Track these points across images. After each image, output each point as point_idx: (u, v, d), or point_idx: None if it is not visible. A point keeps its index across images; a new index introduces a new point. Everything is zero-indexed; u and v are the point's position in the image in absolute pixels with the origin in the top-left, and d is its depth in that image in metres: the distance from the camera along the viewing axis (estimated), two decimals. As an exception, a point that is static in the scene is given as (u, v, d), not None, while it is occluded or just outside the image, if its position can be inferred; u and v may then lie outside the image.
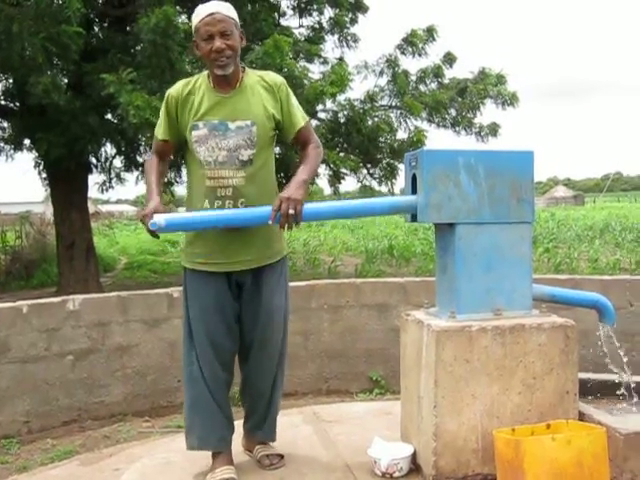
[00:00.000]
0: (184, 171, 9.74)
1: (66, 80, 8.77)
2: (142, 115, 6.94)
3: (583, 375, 3.32)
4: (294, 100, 3.15)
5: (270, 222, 2.85)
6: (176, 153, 3.26)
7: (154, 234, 2.86)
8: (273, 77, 3.14)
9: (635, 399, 3.34)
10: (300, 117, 3.13)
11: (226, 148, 3.00)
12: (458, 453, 2.84)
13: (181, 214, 3.01)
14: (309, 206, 2.89)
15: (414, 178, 3.02)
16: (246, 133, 3.01)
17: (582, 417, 2.93)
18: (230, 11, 3.00)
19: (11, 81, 9.83)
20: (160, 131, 3.13)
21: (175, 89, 3.09)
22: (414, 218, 3.01)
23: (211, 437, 3.13)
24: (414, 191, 3.01)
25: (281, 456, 3.26)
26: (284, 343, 3.29)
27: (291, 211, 2.80)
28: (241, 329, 3.19)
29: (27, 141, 10.72)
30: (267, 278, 3.16)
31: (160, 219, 2.80)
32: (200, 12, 2.98)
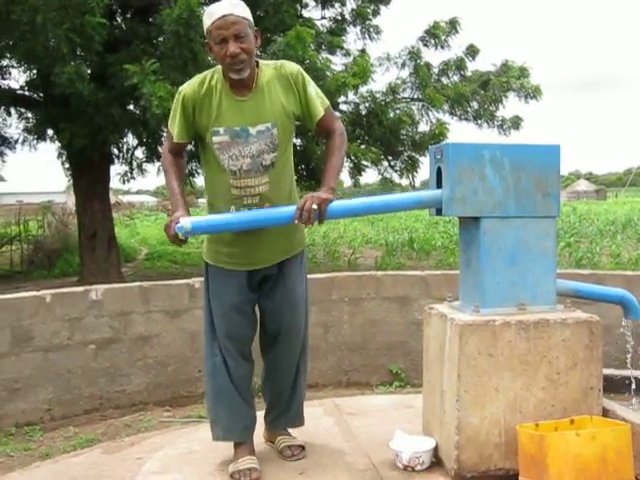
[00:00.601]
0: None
1: (89, 71, 8.81)
2: (165, 106, 6.95)
3: (607, 371, 3.30)
4: (312, 88, 3.03)
5: (296, 221, 2.86)
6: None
7: (179, 240, 2.84)
8: (288, 67, 3.04)
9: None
10: (319, 106, 3.03)
11: (249, 155, 2.95)
12: (480, 447, 2.84)
13: (207, 217, 2.98)
14: (335, 203, 2.89)
15: (439, 171, 3.01)
16: (268, 137, 2.96)
17: (606, 413, 2.92)
18: (244, 11, 2.89)
19: (35, 72, 9.88)
20: (176, 133, 3.02)
21: (190, 88, 2.98)
22: (439, 212, 3.00)
23: (235, 427, 3.16)
24: (439, 184, 3.00)
25: (302, 447, 3.27)
26: (307, 332, 3.31)
27: (314, 206, 2.79)
28: (265, 319, 3.22)
29: (50, 131, 10.80)
30: (290, 269, 3.18)
31: (187, 224, 2.79)
32: (212, 13, 2.86)
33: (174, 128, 3.02)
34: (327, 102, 3.10)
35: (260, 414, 3.35)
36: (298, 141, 8.93)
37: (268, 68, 3.02)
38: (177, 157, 3.10)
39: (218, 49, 2.85)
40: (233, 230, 2.98)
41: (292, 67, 3.05)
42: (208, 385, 3.24)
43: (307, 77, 3.04)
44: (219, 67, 3.01)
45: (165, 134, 3.18)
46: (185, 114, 2.98)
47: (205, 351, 3.24)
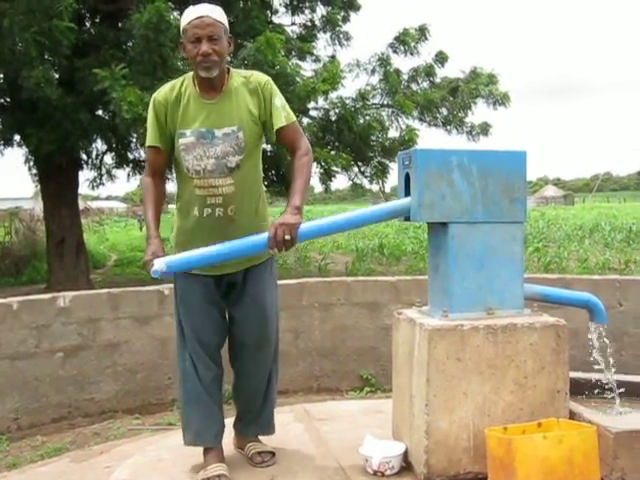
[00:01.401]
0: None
1: (57, 75, 8.74)
2: (135, 111, 6.92)
3: (573, 374, 3.34)
4: (278, 100, 3.04)
5: (270, 250, 2.89)
6: (171, 164, 3.21)
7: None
8: (258, 77, 3.08)
9: (624, 398, 3.36)
10: (282, 117, 3.03)
11: (214, 156, 2.97)
12: (450, 451, 2.85)
13: (181, 255, 2.94)
14: (305, 226, 2.90)
15: (407, 177, 3.02)
16: (233, 139, 2.98)
17: (573, 416, 2.95)
18: (221, 16, 2.95)
19: (1, 76, 9.77)
20: (149, 138, 3.05)
21: (162, 94, 3.02)
22: (407, 217, 3.02)
23: (206, 432, 3.15)
24: (407, 190, 3.02)
25: (272, 453, 3.25)
26: (277, 339, 3.31)
27: (287, 237, 2.81)
28: (235, 328, 3.21)
29: (17, 137, 10.66)
30: (258, 276, 3.18)
31: (161, 265, 2.79)
32: (189, 14, 2.93)
33: (149, 133, 3.05)
34: (293, 118, 3.10)
35: (229, 421, 3.33)
36: (269, 147, 8.94)
37: (239, 76, 3.06)
38: (156, 180, 3.10)
39: (191, 47, 2.90)
40: (207, 264, 2.97)
41: (262, 77, 3.09)
42: (181, 390, 3.23)
43: (276, 89, 3.07)
44: (190, 74, 3.06)
45: (145, 155, 3.21)
46: (157, 119, 3.01)
47: (176, 357, 3.24)
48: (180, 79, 3.07)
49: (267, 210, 3.26)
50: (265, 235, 2.88)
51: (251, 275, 3.15)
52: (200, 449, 3.17)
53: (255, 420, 3.32)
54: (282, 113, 3.03)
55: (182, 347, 3.17)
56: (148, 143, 3.06)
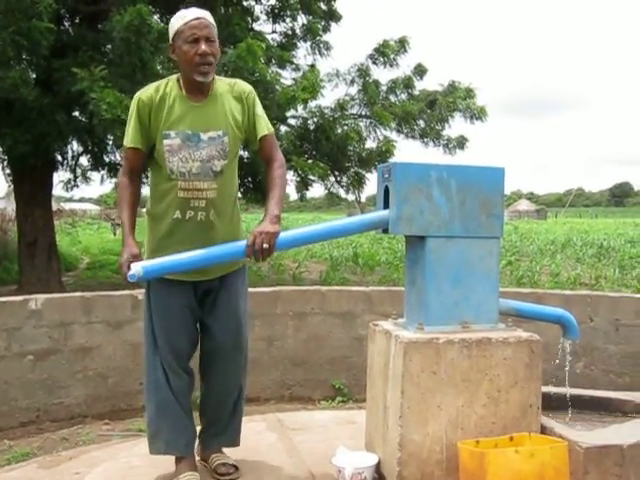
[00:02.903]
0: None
1: (34, 76, 8.66)
2: (114, 112, 6.88)
3: (545, 389, 3.37)
4: (260, 109, 3.11)
5: (247, 258, 2.90)
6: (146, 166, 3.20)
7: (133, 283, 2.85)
8: (242, 85, 3.12)
9: (592, 413, 3.41)
10: (264, 126, 3.10)
11: (199, 159, 2.98)
12: (422, 464, 2.87)
13: (158, 260, 2.92)
14: (283, 235, 2.91)
15: (387, 190, 3.04)
16: (219, 144, 3.00)
17: (544, 430, 2.98)
18: (212, 20, 2.99)
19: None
20: (130, 138, 3.02)
21: (146, 94, 3.00)
22: (385, 230, 3.04)
23: (178, 442, 3.12)
24: (386, 202, 3.04)
25: (236, 467, 3.21)
26: (248, 347, 3.31)
27: (265, 245, 2.83)
28: (208, 335, 3.19)
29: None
30: (232, 283, 3.18)
31: (138, 269, 2.78)
32: (185, 15, 2.94)
33: (129, 133, 3.02)
34: (272, 128, 3.17)
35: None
36: (246, 154, 8.93)
37: (222, 83, 3.09)
38: (133, 180, 3.06)
39: (188, 48, 2.90)
40: (185, 269, 2.96)
41: (246, 85, 3.13)
42: (149, 400, 3.18)
43: (257, 98, 3.13)
44: (173, 77, 3.06)
45: (121, 155, 3.16)
46: (140, 119, 2.98)
47: (146, 364, 3.19)
48: (164, 81, 3.06)
49: (240, 217, 3.28)
50: (243, 243, 2.89)
51: (226, 283, 3.15)
52: (172, 457, 3.15)
53: (223, 431, 3.29)
54: (264, 123, 3.10)
55: (153, 355, 3.13)
56: (129, 144, 3.02)
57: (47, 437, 4.61)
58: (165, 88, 3.01)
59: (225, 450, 3.32)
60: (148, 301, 3.15)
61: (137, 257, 2.86)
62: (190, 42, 2.89)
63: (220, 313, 3.15)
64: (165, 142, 2.96)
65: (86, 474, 3.31)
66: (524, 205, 67.92)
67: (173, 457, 3.15)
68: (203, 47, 2.88)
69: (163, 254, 2.99)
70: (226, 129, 3.01)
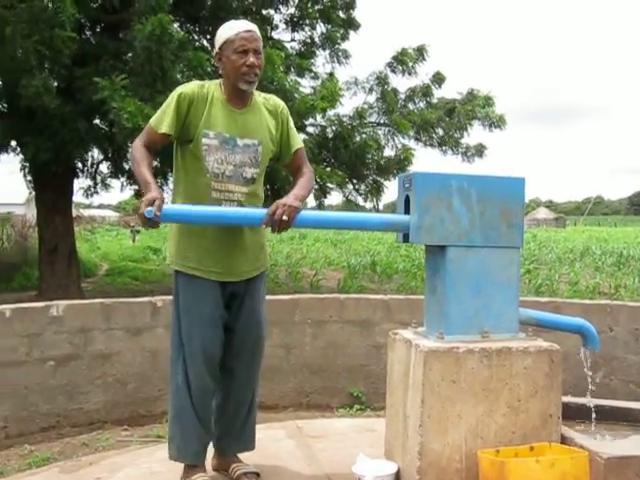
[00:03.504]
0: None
1: (56, 84, 8.75)
2: (135, 121, 6.93)
3: (565, 399, 3.36)
4: (292, 124, 3.28)
5: (263, 225, 2.96)
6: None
7: (150, 223, 2.79)
8: (276, 100, 3.27)
9: (615, 423, 3.39)
10: (298, 140, 3.28)
11: (233, 163, 3.07)
12: (442, 472, 2.87)
13: (177, 205, 3.02)
14: (306, 212, 2.98)
15: (407, 199, 3.05)
16: (252, 152, 3.10)
17: (564, 440, 2.97)
18: (259, 34, 3.10)
19: (0, 83, 9.77)
20: (164, 124, 3.02)
21: (189, 88, 3.07)
22: (406, 238, 3.05)
23: (188, 449, 3.15)
24: (407, 212, 3.05)
25: (258, 474, 3.23)
26: (264, 352, 3.35)
27: (285, 217, 2.87)
28: (232, 339, 3.21)
29: (13, 143, 10.66)
30: (255, 288, 3.23)
31: (156, 207, 2.75)
32: (236, 26, 3.06)
33: (163, 121, 3.03)
34: (302, 143, 3.32)
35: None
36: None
37: (259, 96, 3.21)
38: (149, 151, 3.09)
39: (237, 58, 3.00)
40: (201, 222, 3.00)
41: (279, 101, 3.29)
42: (170, 403, 3.22)
43: (289, 114, 3.28)
44: (217, 82, 3.15)
45: (144, 130, 3.15)
46: (179, 110, 3.03)
47: (170, 367, 3.21)
48: (206, 83, 3.16)
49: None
50: (263, 210, 2.95)
51: (251, 288, 3.21)
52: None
53: (239, 437, 3.31)
54: (297, 137, 3.27)
55: (177, 359, 3.14)
56: (163, 129, 3.02)
57: (67, 442, 4.64)
58: (209, 88, 3.11)
59: (245, 457, 3.33)
60: (176, 300, 3.16)
61: (157, 200, 2.79)
62: (239, 52, 3.00)
63: (245, 318, 3.19)
64: (204, 141, 3.04)
65: (107, 479, 3.34)
66: (543, 213, 67.54)
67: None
68: (252, 59, 3.01)
69: (189, 248, 3.06)
70: (261, 139, 3.12)
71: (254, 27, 3.09)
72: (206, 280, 3.08)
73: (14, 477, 3.81)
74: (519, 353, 2.94)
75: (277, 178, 9.38)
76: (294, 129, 3.28)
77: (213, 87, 3.11)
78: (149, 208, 2.74)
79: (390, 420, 3.27)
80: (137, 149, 3.09)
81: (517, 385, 2.93)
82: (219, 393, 3.30)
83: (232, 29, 3.05)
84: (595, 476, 2.74)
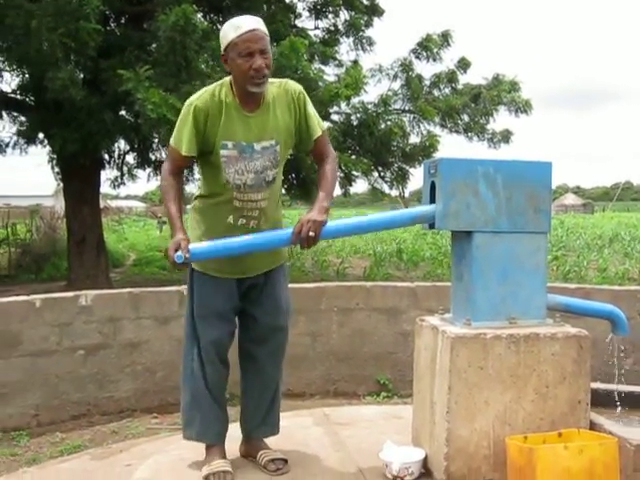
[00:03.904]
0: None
1: (82, 76, 8.82)
2: (159, 112, 6.97)
3: (594, 385, 3.33)
4: (311, 109, 3.11)
5: (292, 245, 2.97)
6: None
7: (180, 266, 2.86)
8: (292, 85, 3.10)
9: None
10: (317, 126, 3.11)
11: (253, 170, 3.00)
12: (469, 459, 2.87)
13: (205, 243, 2.97)
14: (329, 224, 2.94)
15: (433, 185, 3.04)
16: (271, 153, 3.03)
17: (593, 427, 2.95)
18: (265, 28, 2.95)
19: (27, 76, 9.87)
20: (186, 146, 2.98)
21: (202, 100, 2.97)
22: (431, 225, 3.04)
23: (209, 431, 3.22)
24: (432, 198, 3.04)
25: (285, 460, 3.25)
26: (288, 335, 3.36)
27: (311, 233, 2.86)
28: (253, 324, 3.25)
29: (41, 135, 10.77)
30: (276, 278, 3.24)
31: (185, 250, 2.81)
32: (239, 26, 2.89)
33: (182, 141, 2.98)
34: (324, 127, 3.19)
35: (233, 428, 3.36)
36: (289, 150, 8.94)
37: (272, 86, 3.05)
38: (177, 179, 3.08)
39: (242, 62, 2.87)
40: (231, 254, 3.00)
41: (295, 86, 3.11)
42: (185, 389, 3.29)
43: (308, 98, 3.12)
44: (226, 80, 3.04)
45: (167, 153, 3.15)
46: (196, 126, 2.96)
47: (184, 355, 3.28)
48: (217, 86, 3.03)
49: (281, 213, 3.33)
50: (289, 230, 2.93)
51: (270, 277, 3.21)
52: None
53: (263, 422, 3.34)
54: (316, 122, 3.11)
55: (193, 346, 3.21)
56: (184, 152, 2.98)
57: (97, 430, 4.71)
58: (220, 94, 2.99)
59: (272, 444, 3.36)
60: (191, 294, 3.21)
61: (184, 243, 2.85)
62: (244, 56, 2.86)
63: (265, 304, 3.21)
64: (222, 152, 2.97)
65: (137, 466, 3.38)
66: (570, 199, 66.85)
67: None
68: (258, 62, 2.85)
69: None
70: (278, 138, 3.04)
71: (258, 24, 2.91)
72: (220, 277, 3.11)
73: (46, 464, 3.87)
74: (547, 339, 2.92)
75: (302, 167, 9.40)
76: (313, 114, 3.10)
77: (224, 91, 2.99)
78: (178, 253, 2.79)
79: (417, 407, 3.27)
80: (164, 179, 3.08)
81: (545, 371, 2.91)
82: (244, 380, 3.35)
83: (235, 30, 2.88)
84: (624, 462, 2.72)
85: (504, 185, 2.97)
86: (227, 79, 3.05)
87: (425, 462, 3.05)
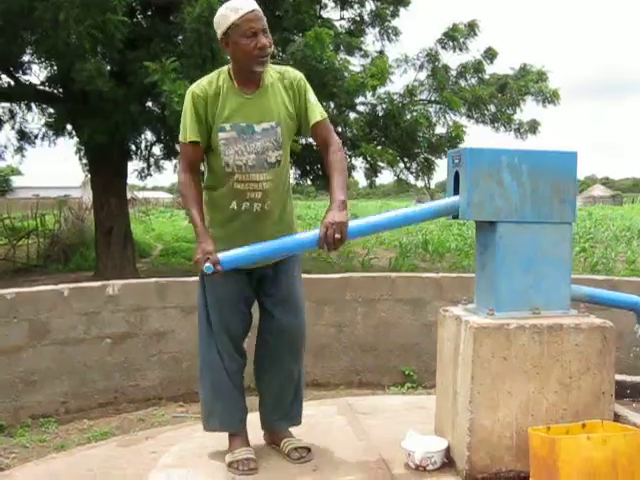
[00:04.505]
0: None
1: (109, 68, 8.88)
2: (186, 104, 7.00)
3: (619, 377, 3.32)
4: (311, 95, 3.11)
5: (320, 249, 2.94)
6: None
7: (211, 276, 2.91)
8: (291, 73, 3.13)
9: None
10: (317, 112, 3.10)
11: (254, 151, 3.01)
12: (492, 449, 2.87)
13: (232, 252, 2.96)
14: (353, 224, 2.95)
15: (456, 175, 3.04)
16: (272, 134, 3.03)
17: (617, 418, 2.94)
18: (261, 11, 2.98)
19: (55, 68, 9.97)
20: (189, 133, 3.02)
21: (200, 88, 3.02)
22: (455, 216, 3.03)
23: (232, 419, 3.27)
24: (456, 188, 3.04)
25: (309, 449, 3.28)
26: (305, 331, 3.36)
27: (337, 235, 2.85)
28: (267, 317, 3.27)
29: (69, 127, 10.89)
30: (286, 268, 3.24)
31: (214, 262, 2.86)
32: (239, 8, 2.91)
33: (187, 128, 3.03)
34: (325, 113, 3.16)
35: (256, 416, 3.40)
36: (313, 141, 8.95)
37: (273, 71, 3.09)
38: (193, 177, 3.10)
39: (247, 42, 2.90)
40: (258, 260, 3.03)
41: (295, 73, 3.14)
42: (204, 379, 3.31)
43: (308, 85, 3.13)
44: (224, 68, 3.08)
45: (180, 151, 3.17)
46: (197, 112, 3.00)
47: (200, 347, 3.32)
48: (215, 73, 3.08)
49: (293, 204, 3.33)
50: (314, 233, 2.93)
51: (282, 268, 3.21)
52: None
53: (285, 415, 3.37)
54: (317, 109, 3.10)
55: (208, 337, 3.25)
56: (189, 138, 3.03)
57: (124, 418, 4.77)
58: (217, 81, 3.03)
59: (296, 433, 3.39)
60: (203, 287, 3.24)
61: (211, 253, 2.89)
62: (249, 36, 2.89)
63: (278, 295, 3.22)
64: (220, 135, 3.00)
65: (162, 453, 3.42)
66: (599, 190, 66.03)
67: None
68: (263, 41, 2.90)
69: (226, 243, 3.04)
70: (279, 119, 3.04)
71: (255, 4, 2.96)
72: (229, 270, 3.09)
73: (74, 450, 3.93)
74: (571, 330, 2.90)
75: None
76: (313, 101, 3.10)
77: (222, 77, 3.03)
78: (207, 264, 2.83)
79: (440, 397, 3.27)
80: (181, 180, 3.11)
81: (569, 362, 2.90)
82: (261, 371, 3.37)
83: (236, 12, 2.89)
84: (649, 454, 2.70)
85: (529, 175, 2.96)
86: (225, 67, 3.08)
87: (448, 452, 3.06)
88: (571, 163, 3.02)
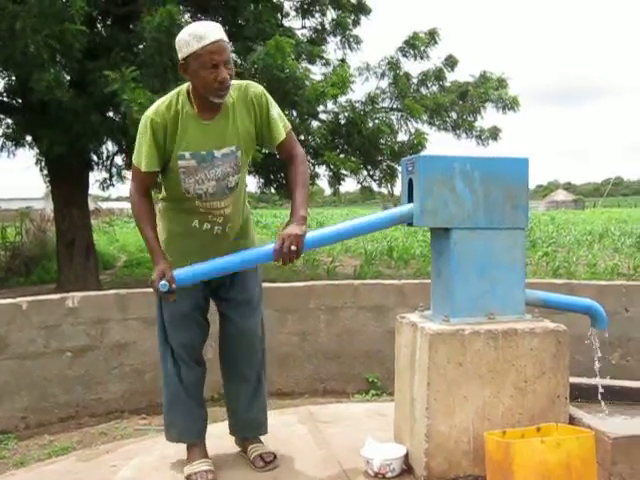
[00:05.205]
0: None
1: (68, 77, 8.79)
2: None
3: (576, 380, 3.36)
4: (274, 111, 3.03)
5: (275, 262, 2.93)
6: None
7: (167, 295, 2.86)
8: (252, 89, 3.02)
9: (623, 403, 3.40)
10: (281, 128, 3.03)
11: (214, 178, 2.96)
12: (450, 454, 2.89)
13: (188, 268, 2.92)
14: (310, 235, 2.93)
15: (410, 183, 3.06)
16: (232, 159, 2.98)
17: (573, 421, 2.98)
18: (225, 35, 2.86)
19: (13, 78, 9.83)
20: (146, 163, 2.91)
21: (157, 114, 2.90)
22: (410, 223, 3.05)
23: (189, 430, 3.26)
24: (410, 195, 3.06)
25: (274, 455, 3.28)
26: (264, 333, 3.36)
27: (293, 247, 2.84)
28: (225, 322, 3.28)
29: (29, 138, 10.74)
30: (245, 273, 3.20)
31: (168, 279, 2.83)
32: (202, 36, 2.78)
33: (142, 158, 2.92)
34: (289, 125, 3.11)
35: (223, 426, 3.40)
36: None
37: (232, 89, 2.96)
38: (146, 199, 3.03)
39: (206, 74, 2.78)
40: (214, 276, 3.01)
41: (256, 88, 3.04)
42: (164, 391, 3.32)
43: (271, 100, 3.05)
44: (183, 89, 2.97)
45: (131, 172, 3.08)
46: (155, 139, 2.90)
47: (160, 358, 3.31)
48: (173, 95, 2.96)
49: (249, 213, 3.34)
50: (270, 247, 2.91)
51: (239, 273, 3.17)
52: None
53: (247, 421, 3.36)
54: (280, 124, 3.04)
55: (164, 350, 3.25)
56: (146, 168, 2.92)
57: (86, 432, 4.71)
58: (176, 105, 2.91)
59: (263, 439, 3.39)
60: (159, 299, 3.18)
61: (167, 272, 2.85)
62: (209, 68, 2.78)
63: (235, 300, 3.21)
64: (180, 163, 2.93)
65: (122, 466, 3.40)
66: (561, 195, 67.02)
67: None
68: (223, 74, 2.79)
69: (182, 256, 3.02)
70: (239, 143, 2.98)
71: (220, 32, 2.82)
72: None
73: (34, 466, 3.88)
74: (525, 334, 2.94)
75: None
76: (276, 116, 3.01)
77: (182, 99, 2.92)
78: (163, 282, 2.80)
79: (398, 404, 3.29)
80: (133, 201, 3.02)
81: (524, 366, 2.94)
82: (226, 378, 3.37)
83: (199, 40, 2.76)
84: (602, 456, 2.74)
85: (481, 182, 2.99)
86: (184, 87, 2.97)
87: (406, 458, 3.08)
88: (523, 169, 3.06)
